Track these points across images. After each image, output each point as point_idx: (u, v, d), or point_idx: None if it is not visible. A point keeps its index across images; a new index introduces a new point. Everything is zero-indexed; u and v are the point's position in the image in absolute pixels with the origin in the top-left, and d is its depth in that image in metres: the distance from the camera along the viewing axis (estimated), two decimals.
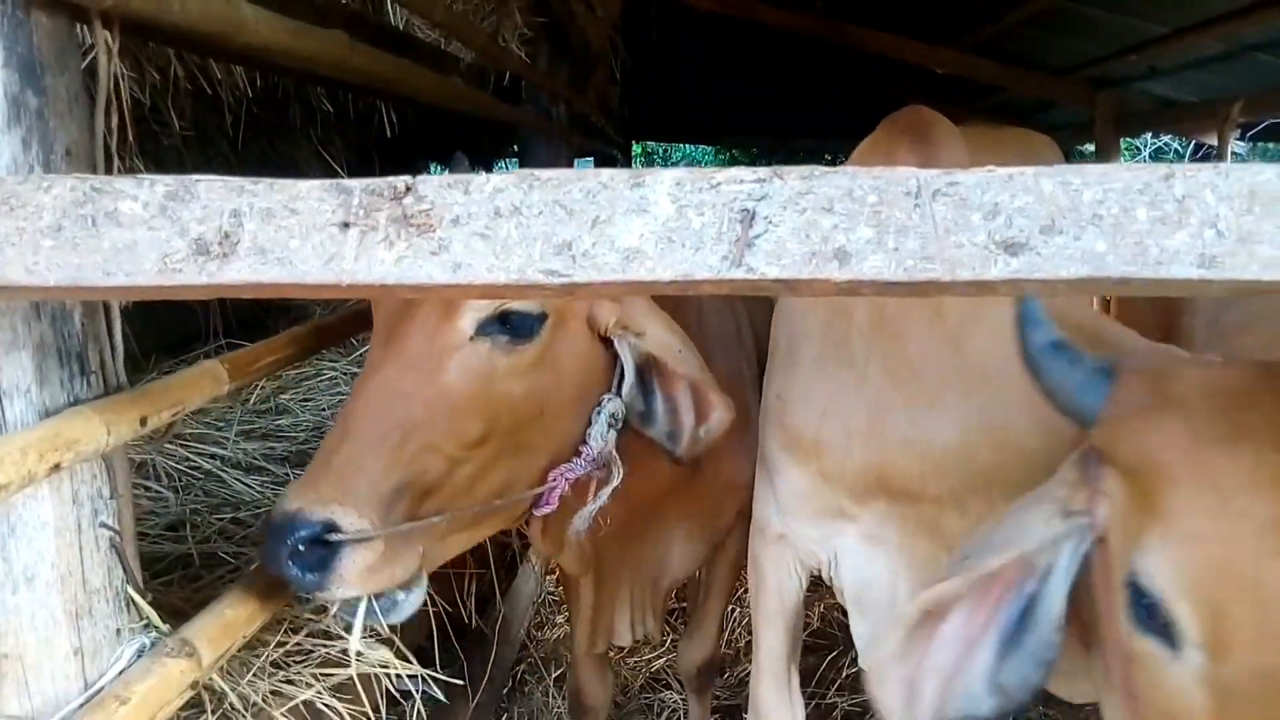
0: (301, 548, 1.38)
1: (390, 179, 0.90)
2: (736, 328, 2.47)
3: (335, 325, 1.93)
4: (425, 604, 1.64)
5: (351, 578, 1.41)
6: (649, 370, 1.81)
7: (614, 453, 1.71)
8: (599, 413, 1.71)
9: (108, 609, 1.24)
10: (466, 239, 0.89)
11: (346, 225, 0.90)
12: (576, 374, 1.71)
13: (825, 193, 0.89)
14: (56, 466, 1.08)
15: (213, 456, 2.31)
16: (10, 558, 1.14)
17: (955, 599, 1.35)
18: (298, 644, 1.56)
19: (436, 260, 0.89)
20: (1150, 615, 1.17)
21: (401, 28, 3.75)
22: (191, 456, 2.26)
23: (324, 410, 2.83)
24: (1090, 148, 7.82)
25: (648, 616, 2.49)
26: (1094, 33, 6.63)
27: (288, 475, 2.29)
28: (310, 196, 0.90)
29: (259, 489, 2.21)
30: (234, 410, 2.72)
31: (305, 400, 2.92)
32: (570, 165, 5.54)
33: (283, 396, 2.92)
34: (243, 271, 0.90)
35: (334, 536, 1.38)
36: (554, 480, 1.67)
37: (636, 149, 12.73)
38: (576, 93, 5.75)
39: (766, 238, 0.88)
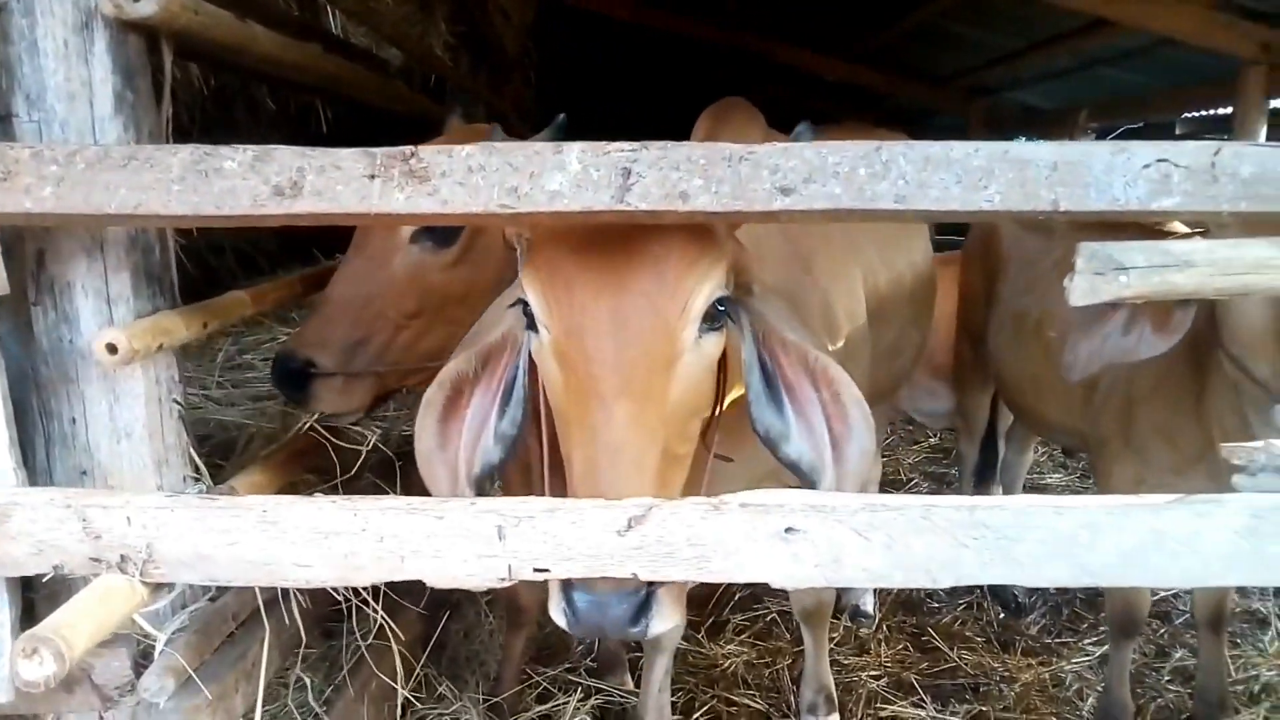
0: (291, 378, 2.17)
1: (401, 148, 1.42)
2: None
3: (321, 274, 2.42)
4: None
5: (318, 400, 2.19)
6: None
7: None
8: None
9: (179, 461, 1.73)
10: (450, 185, 1.41)
11: (373, 176, 1.41)
12: (493, 271, 2.29)
13: (675, 158, 1.44)
14: (160, 346, 1.57)
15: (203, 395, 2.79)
16: (116, 418, 1.63)
17: (465, 380, 1.73)
18: None
19: (431, 199, 1.41)
20: (529, 320, 1.60)
21: (341, 35, 4.21)
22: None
23: None
24: None
25: None
26: (965, 46, 7.41)
27: (263, 408, 2.78)
28: (349, 158, 1.41)
29: (240, 416, 2.70)
30: (203, 366, 3.16)
31: (266, 359, 3.36)
32: None
33: (245, 356, 3.36)
34: (305, 206, 1.41)
35: (312, 370, 2.17)
36: None
37: None
38: (495, 94, 6.25)
39: (638, 185, 1.43)
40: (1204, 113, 7.47)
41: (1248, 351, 2.29)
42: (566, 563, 1.46)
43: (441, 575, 1.46)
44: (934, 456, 6.42)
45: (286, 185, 1.40)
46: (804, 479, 1.70)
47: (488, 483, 1.75)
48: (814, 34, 8.16)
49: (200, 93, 3.93)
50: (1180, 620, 4.05)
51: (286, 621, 2.03)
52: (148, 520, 1.41)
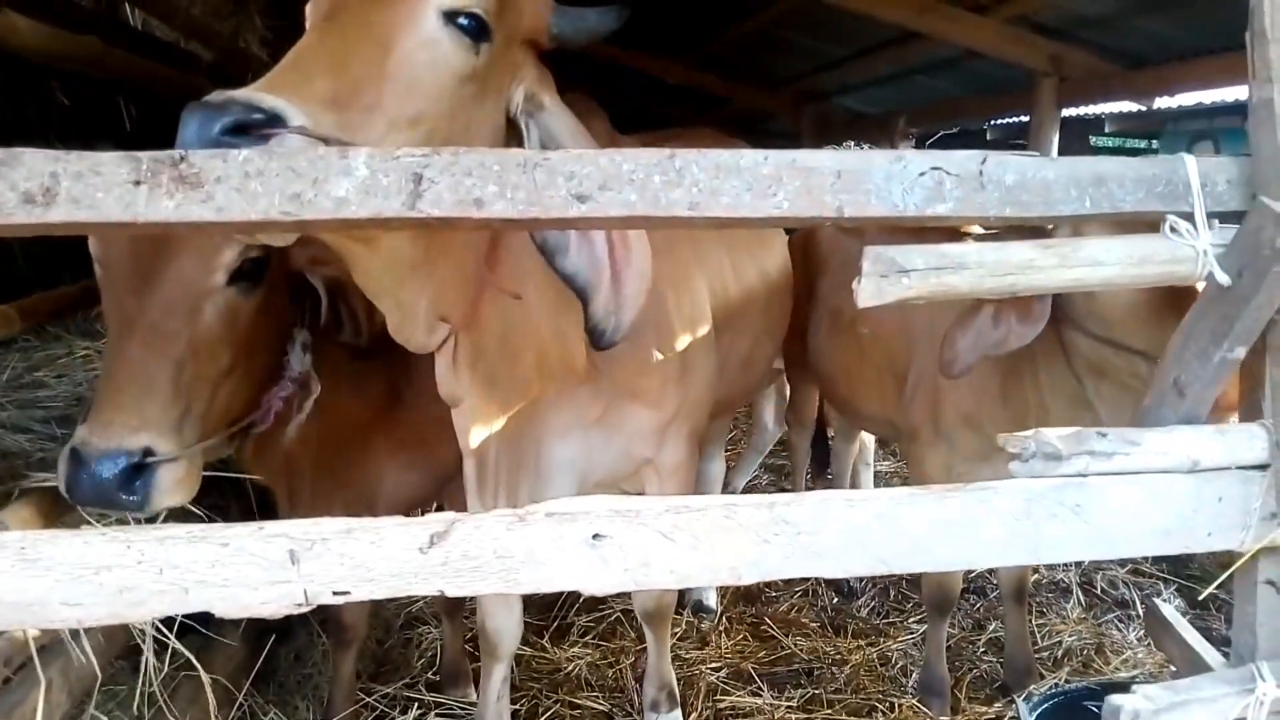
0: (123, 477, 1.74)
1: (169, 151, 1.33)
2: None
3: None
4: None
5: (168, 492, 1.81)
6: None
7: (310, 370, 2.12)
8: (293, 343, 2.11)
9: None
10: (226, 192, 1.34)
11: (138, 183, 1.32)
12: (280, 309, 2.13)
13: (468, 163, 1.41)
14: None
15: None
16: None
17: None
18: None
19: (205, 206, 1.33)
20: None
21: (140, 28, 3.96)
22: None
23: (80, 384, 3.03)
24: None
25: None
26: (796, 52, 7.67)
27: (55, 432, 2.55)
28: (111, 162, 1.31)
29: (26, 443, 2.47)
30: None
31: (60, 376, 3.10)
32: None
33: (37, 373, 3.09)
34: (61, 215, 1.30)
35: (150, 460, 1.77)
36: (267, 402, 2.11)
37: None
38: None
39: (430, 191, 1.40)
40: (1012, 119, 8.05)
41: (1120, 328, 2.38)
42: (369, 584, 1.41)
43: (233, 605, 1.38)
44: (775, 449, 6.61)
45: (38, 192, 1.29)
46: (580, 297, 1.81)
47: None
48: (654, 38, 8.27)
49: None
50: (994, 595, 4.32)
51: (78, 660, 1.89)
52: None
